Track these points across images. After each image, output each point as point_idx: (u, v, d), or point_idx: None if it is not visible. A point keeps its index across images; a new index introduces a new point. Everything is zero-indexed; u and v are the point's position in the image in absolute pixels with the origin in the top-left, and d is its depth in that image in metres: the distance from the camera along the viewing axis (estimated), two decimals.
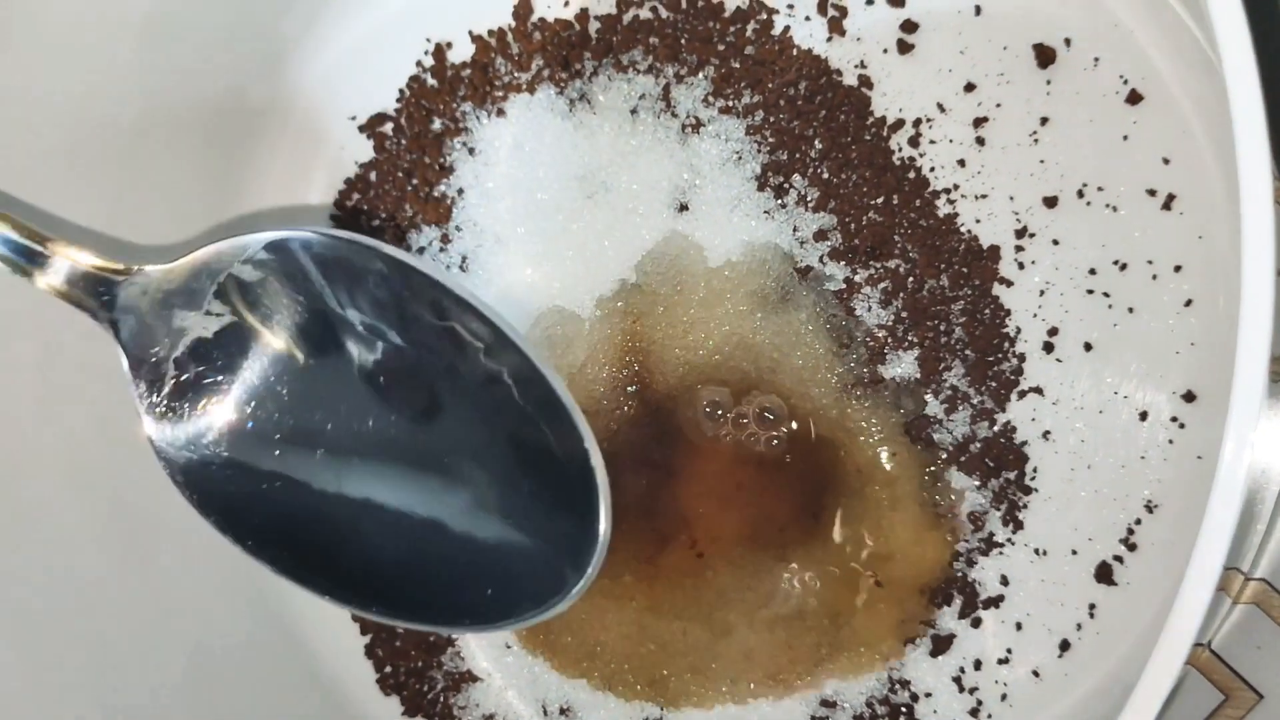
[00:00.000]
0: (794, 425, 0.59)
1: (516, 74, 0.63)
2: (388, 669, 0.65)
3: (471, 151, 0.63)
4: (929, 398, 0.58)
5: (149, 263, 0.51)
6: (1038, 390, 0.57)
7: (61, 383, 0.57)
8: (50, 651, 0.55)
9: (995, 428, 0.57)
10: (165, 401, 0.51)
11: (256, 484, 0.52)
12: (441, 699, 0.64)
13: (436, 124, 0.64)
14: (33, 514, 0.56)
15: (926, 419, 0.58)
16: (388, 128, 0.66)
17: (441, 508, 0.52)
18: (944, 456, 0.58)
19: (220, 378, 0.52)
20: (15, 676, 0.53)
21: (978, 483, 0.57)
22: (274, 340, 0.52)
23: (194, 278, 0.51)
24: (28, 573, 0.55)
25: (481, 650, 0.64)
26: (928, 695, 0.58)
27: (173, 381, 0.51)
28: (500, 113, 0.63)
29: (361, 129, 0.66)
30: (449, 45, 0.65)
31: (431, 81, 0.65)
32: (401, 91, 0.65)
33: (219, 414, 0.52)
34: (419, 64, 0.65)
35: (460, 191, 0.63)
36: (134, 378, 0.51)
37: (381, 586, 0.54)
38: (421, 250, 0.64)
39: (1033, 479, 0.57)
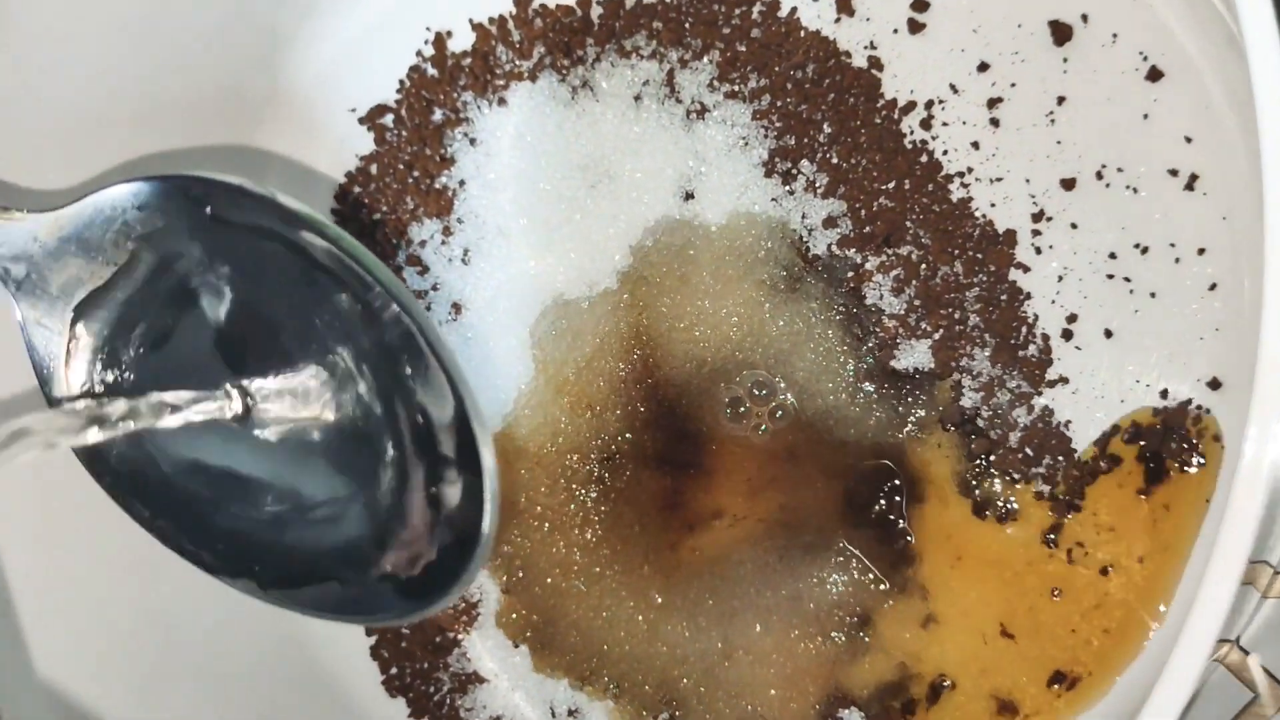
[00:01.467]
0: (789, 399, 0.58)
1: (518, 62, 0.63)
2: (393, 670, 0.65)
3: (473, 142, 0.63)
4: (964, 386, 0.57)
5: (38, 208, 0.50)
6: (1062, 380, 0.56)
7: None
8: (46, 650, 0.55)
9: (1034, 413, 0.56)
10: (62, 353, 0.51)
11: (142, 443, 0.52)
12: (448, 701, 0.64)
13: (437, 114, 0.64)
14: (28, 507, 0.55)
15: (961, 409, 0.57)
16: (388, 119, 0.65)
17: (318, 487, 0.52)
18: (983, 446, 0.57)
19: (118, 328, 0.51)
20: (9, 671, 0.53)
21: (1020, 474, 0.56)
22: (170, 293, 0.50)
23: (86, 225, 0.50)
24: (25, 567, 0.55)
25: (488, 651, 0.63)
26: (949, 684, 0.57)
27: (70, 333, 0.50)
28: (502, 102, 0.63)
29: (361, 121, 0.65)
30: (449, 34, 0.64)
31: (432, 71, 0.64)
32: (402, 82, 0.65)
33: (116, 365, 0.51)
34: (419, 53, 0.64)
35: (462, 183, 0.63)
36: (28, 329, 0.50)
37: (250, 560, 0.53)
38: (424, 244, 0.63)
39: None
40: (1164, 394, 0.54)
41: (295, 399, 0.51)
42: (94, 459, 0.52)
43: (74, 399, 0.51)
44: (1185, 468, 0.54)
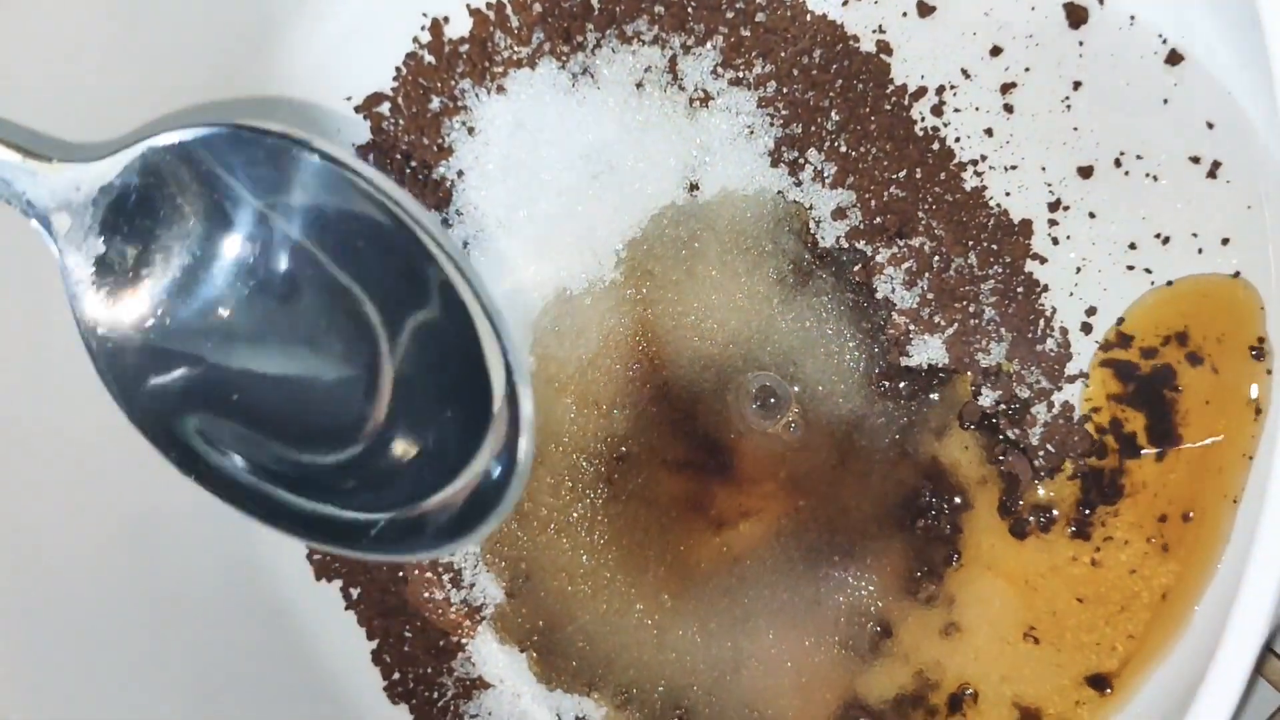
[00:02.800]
0: (801, 399, 0.58)
1: (516, 48, 0.62)
2: (396, 675, 0.64)
3: (471, 131, 0.62)
4: (981, 382, 0.57)
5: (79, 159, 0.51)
6: (1083, 375, 0.56)
7: (57, 386, 0.56)
8: (47, 663, 0.54)
9: (1054, 410, 0.56)
10: (100, 301, 0.51)
11: (191, 390, 0.52)
12: (452, 707, 0.63)
13: (435, 103, 0.63)
14: (30, 515, 0.55)
15: (979, 407, 0.57)
16: (385, 108, 0.64)
17: (355, 415, 0.52)
18: (1003, 446, 0.56)
19: (162, 276, 0.51)
20: (13, 684, 0.52)
21: (1042, 473, 0.56)
22: (216, 239, 0.51)
23: (128, 173, 0.50)
24: (25, 577, 0.54)
25: (494, 656, 0.63)
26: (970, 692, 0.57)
27: (108, 278, 0.51)
28: (500, 90, 0.62)
29: (358, 110, 0.64)
30: (446, 20, 0.63)
31: (429, 58, 0.63)
32: (398, 70, 0.64)
33: (155, 312, 0.51)
34: (416, 40, 0.63)
35: (460, 174, 0.62)
36: (71, 279, 0.50)
37: (289, 499, 0.53)
38: None
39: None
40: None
41: (333, 334, 0.51)
42: (162, 415, 0.52)
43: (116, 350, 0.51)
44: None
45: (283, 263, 0.51)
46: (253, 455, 0.52)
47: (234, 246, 0.50)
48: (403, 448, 0.51)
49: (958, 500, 0.56)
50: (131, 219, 0.50)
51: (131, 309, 0.50)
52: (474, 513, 0.50)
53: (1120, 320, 0.54)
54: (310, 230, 0.51)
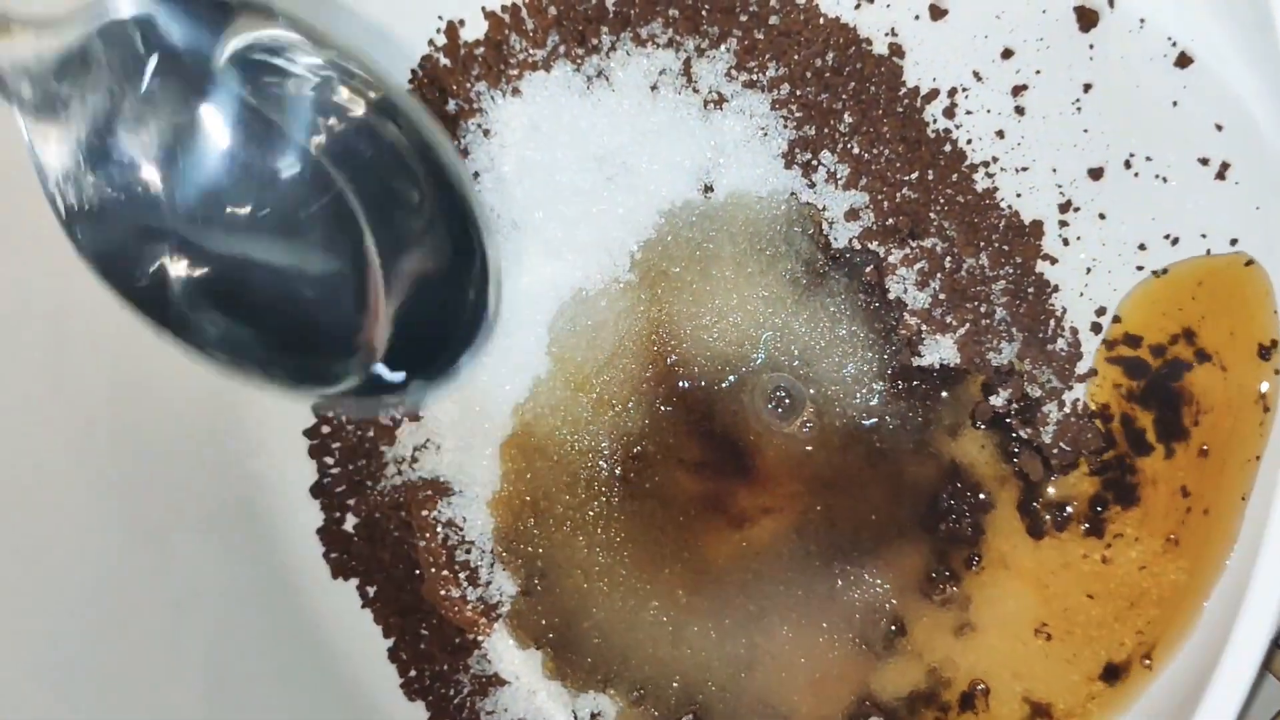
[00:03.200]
0: (814, 399, 0.58)
1: (531, 51, 0.62)
2: (412, 673, 0.64)
3: (486, 133, 0.62)
4: (994, 382, 0.57)
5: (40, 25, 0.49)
6: (1093, 374, 0.56)
7: (73, 371, 0.56)
8: (68, 660, 0.54)
9: (1066, 408, 0.56)
10: (69, 172, 0.50)
11: (167, 251, 0.51)
12: (469, 704, 0.63)
13: (451, 105, 0.63)
14: (47, 515, 0.55)
15: (991, 406, 0.57)
16: None
17: (337, 269, 0.52)
18: (1016, 443, 0.56)
19: (129, 145, 0.50)
20: (30, 693, 0.52)
21: (1055, 471, 0.56)
22: (178, 110, 0.50)
23: (90, 39, 0.48)
24: (44, 577, 0.54)
25: (509, 652, 0.63)
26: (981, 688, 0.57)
27: (76, 149, 0.49)
28: (515, 92, 0.62)
29: None
30: (461, 23, 0.63)
31: (444, 61, 0.63)
32: (414, 72, 0.64)
33: (131, 179, 0.50)
34: (431, 43, 0.64)
35: (476, 175, 0.62)
36: (36, 148, 0.49)
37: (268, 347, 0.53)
38: None
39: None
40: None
41: (301, 192, 0.51)
42: (138, 281, 0.51)
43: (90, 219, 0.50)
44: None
45: (256, 139, 0.50)
46: (236, 316, 0.52)
47: (206, 120, 0.49)
48: (388, 314, 0.52)
49: (981, 497, 0.56)
50: (97, 88, 0.49)
51: (101, 179, 0.49)
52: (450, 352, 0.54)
53: (1116, 319, 0.55)
54: (283, 106, 0.50)
